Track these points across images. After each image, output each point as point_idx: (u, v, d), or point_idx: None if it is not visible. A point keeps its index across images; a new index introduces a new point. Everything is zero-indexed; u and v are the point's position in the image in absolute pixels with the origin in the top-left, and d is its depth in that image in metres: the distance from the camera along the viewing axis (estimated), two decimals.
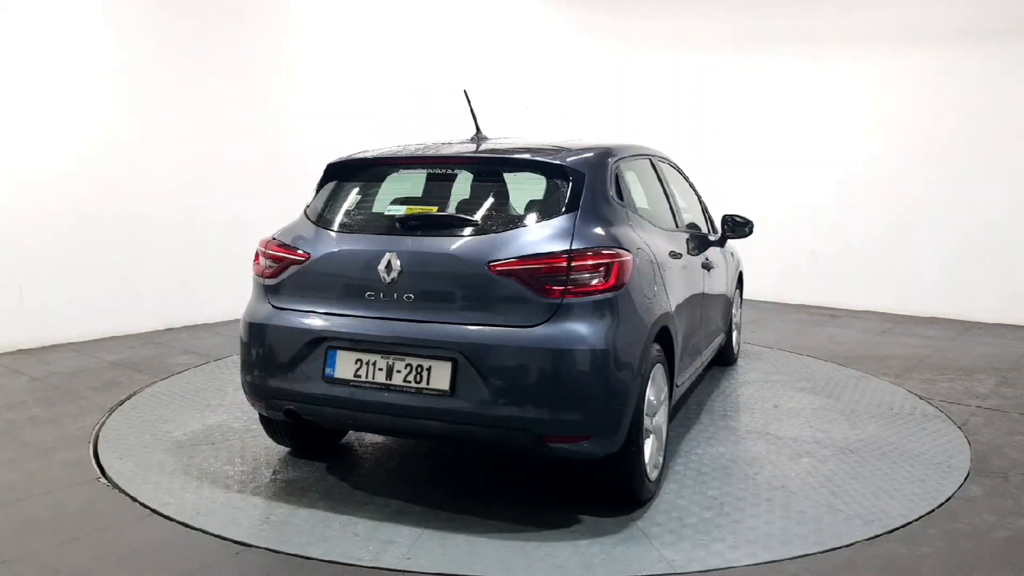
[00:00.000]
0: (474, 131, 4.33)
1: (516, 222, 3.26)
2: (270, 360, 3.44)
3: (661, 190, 4.44)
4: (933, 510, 3.39)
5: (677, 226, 4.40)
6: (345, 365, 3.26)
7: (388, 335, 3.20)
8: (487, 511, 3.36)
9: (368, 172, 3.81)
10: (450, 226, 3.33)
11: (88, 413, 4.63)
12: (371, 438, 4.26)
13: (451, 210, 3.55)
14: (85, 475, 3.74)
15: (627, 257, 3.18)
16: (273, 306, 3.47)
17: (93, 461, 3.90)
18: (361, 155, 3.87)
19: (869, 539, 3.13)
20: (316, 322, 3.34)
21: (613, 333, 3.07)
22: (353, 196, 3.72)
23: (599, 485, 3.49)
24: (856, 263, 8.66)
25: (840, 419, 4.71)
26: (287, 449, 4.05)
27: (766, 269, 9.02)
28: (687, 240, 4.37)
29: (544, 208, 3.31)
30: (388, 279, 3.21)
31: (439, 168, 3.76)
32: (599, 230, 3.23)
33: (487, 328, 3.08)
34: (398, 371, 3.17)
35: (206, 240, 7.34)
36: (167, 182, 7.05)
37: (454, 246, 3.20)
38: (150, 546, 3.06)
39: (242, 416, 4.58)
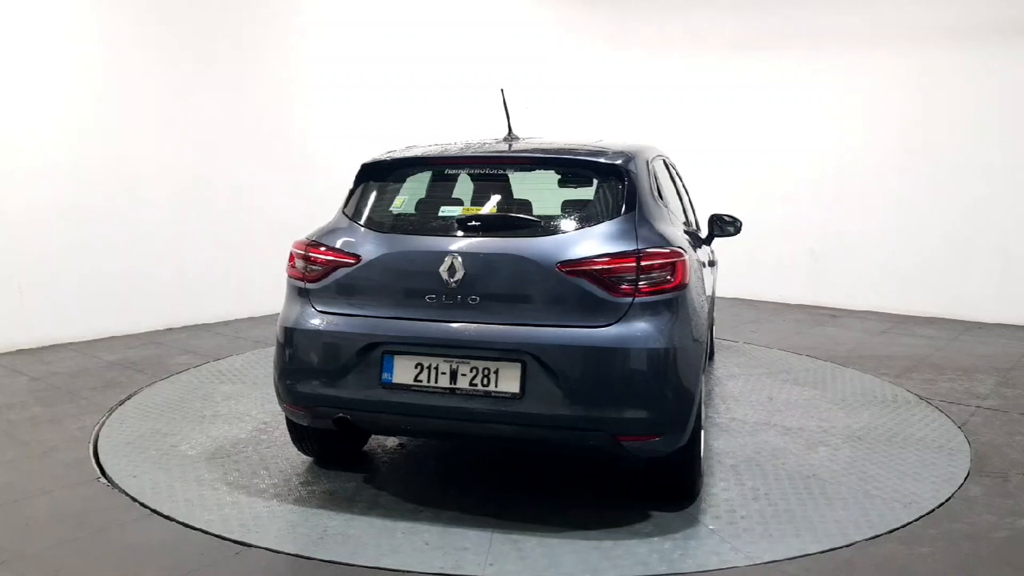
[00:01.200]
0: (505, 130, 4.21)
1: (578, 222, 3.26)
2: (317, 367, 3.31)
3: (674, 189, 4.49)
4: (933, 510, 3.39)
5: (688, 224, 4.46)
6: (404, 370, 3.15)
7: (452, 338, 3.11)
8: (543, 513, 3.35)
9: (410, 171, 3.73)
10: (511, 226, 3.28)
11: (88, 413, 4.63)
12: (390, 443, 4.19)
13: (505, 210, 3.49)
14: (85, 475, 3.74)
15: (687, 256, 3.22)
16: (318, 310, 3.34)
17: (93, 461, 3.90)
18: (403, 154, 3.74)
19: (869, 539, 3.13)
20: (370, 326, 3.22)
21: (681, 331, 3.11)
22: (399, 197, 3.63)
23: (657, 481, 3.45)
24: (856, 263, 8.66)
25: (834, 408, 4.87)
26: (304, 457, 3.91)
27: (766, 269, 9.03)
28: (695, 238, 4.40)
29: (602, 208, 3.31)
30: (451, 281, 3.13)
31: (489, 168, 3.71)
32: (656, 229, 3.26)
33: (558, 329, 3.04)
34: (463, 374, 3.09)
35: (206, 240, 7.34)
36: (167, 182, 7.04)
37: (521, 247, 3.15)
38: (150, 546, 3.06)
39: (246, 417, 4.58)
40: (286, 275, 3.55)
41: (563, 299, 3.06)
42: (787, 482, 3.70)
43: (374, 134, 8.73)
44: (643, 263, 3.06)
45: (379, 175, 3.67)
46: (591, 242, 3.13)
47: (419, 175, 3.75)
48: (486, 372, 3.07)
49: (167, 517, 3.29)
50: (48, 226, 6.31)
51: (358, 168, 3.71)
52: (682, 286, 3.13)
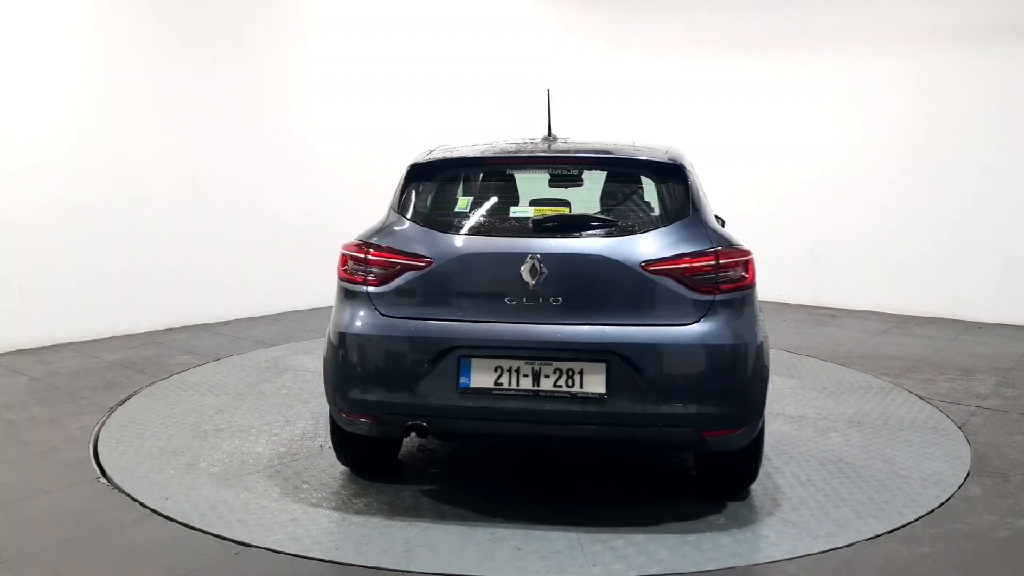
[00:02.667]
0: (546, 131, 4.16)
1: (651, 222, 3.31)
2: (386, 374, 3.21)
3: None
4: (933, 510, 3.39)
5: None
6: (483, 374, 3.08)
7: (535, 340, 3.07)
8: (613, 512, 3.37)
9: (465, 172, 3.69)
10: (586, 227, 3.27)
11: (88, 413, 4.63)
12: (417, 450, 4.09)
13: (575, 211, 3.49)
14: (85, 475, 3.74)
15: (752, 254, 3.28)
16: (385, 315, 3.22)
17: (93, 461, 3.90)
18: (457, 154, 3.65)
19: (869, 539, 3.13)
20: (445, 330, 3.13)
21: (755, 326, 3.19)
22: (462, 197, 3.58)
23: (724, 472, 3.52)
24: (856, 263, 8.66)
25: (821, 396, 5.06)
26: (339, 468, 3.78)
27: (766, 269, 9.00)
28: None
29: (670, 208, 3.35)
30: (532, 282, 3.08)
31: (549, 168, 3.69)
32: (720, 229, 3.34)
33: (644, 328, 3.06)
34: (546, 376, 3.05)
35: (206, 240, 7.33)
36: (167, 182, 7.04)
37: (605, 247, 3.15)
38: (150, 546, 3.06)
39: (251, 430, 4.49)
40: (337, 278, 3.41)
41: (647, 298, 3.10)
42: (820, 467, 3.87)
43: (374, 134, 8.74)
44: (721, 262, 3.13)
45: (430, 175, 3.57)
46: (671, 242, 3.17)
47: (474, 175, 3.70)
48: (570, 373, 3.05)
49: (168, 518, 3.29)
50: (48, 226, 6.31)
51: (406, 168, 3.60)
52: (752, 284, 3.23)
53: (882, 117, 8.40)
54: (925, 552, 3.02)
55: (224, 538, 3.11)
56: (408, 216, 3.43)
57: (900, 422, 4.57)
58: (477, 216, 3.46)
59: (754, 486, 3.59)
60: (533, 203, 3.66)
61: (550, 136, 4.04)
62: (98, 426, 4.40)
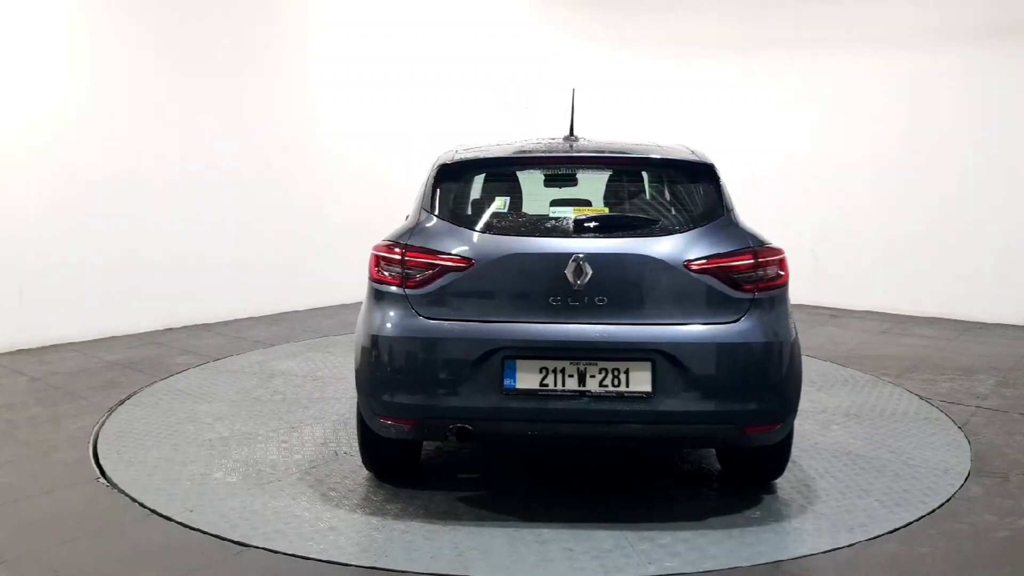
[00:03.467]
0: (567, 131, 4.15)
1: (689, 221, 3.33)
2: (427, 377, 3.15)
3: None
4: (933, 510, 3.39)
5: None
6: (528, 375, 3.07)
7: (581, 340, 3.07)
8: (650, 508, 3.43)
9: (497, 171, 3.67)
10: (628, 226, 3.30)
11: (88, 413, 4.63)
12: (432, 453, 4.04)
13: (614, 210, 3.51)
14: (85, 475, 3.74)
15: (785, 252, 3.34)
16: (425, 317, 3.17)
17: (93, 461, 3.90)
18: (490, 154, 3.64)
19: (869, 539, 3.13)
20: (489, 332, 3.11)
21: (790, 323, 3.26)
22: (499, 197, 3.55)
23: (758, 467, 3.58)
24: (856, 263, 8.66)
25: (811, 389, 5.08)
26: (361, 474, 3.73)
27: None
28: None
29: (706, 208, 3.39)
30: (577, 283, 3.09)
31: (583, 168, 3.68)
32: (751, 228, 3.37)
33: (688, 327, 3.10)
34: (592, 376, 3.06)
35: (206, 240, 7.34)
36: (168, 182, 7.04)
37: (648, 246, 3.17)
38: (150, 546, 3.06)
39: (251, 427, 4.46)
40: (368, 280, 3.36)
41: (690, 297, 3.13)
42: (833, 459, 3.96)
43: (375, 134, 8.74)
44: (760, 260, 3.19)
45: (461, 175, 3.54)
46: (710, 241, 3.21)
47: (506, 175, 3.69)
48: (616, 372, 3.06)
49: (168, 518, 3.29)
50: (48, 226, 6.31)
51: (436, 167, 3.55)
52: (787, 282, 3.29)
53: (882, 117, 8.40)
54: (925, 552, 3.02)
55: (224, 538, 3.11)
56: (442, 216, 3.38)
57: (903, 416, 4.64)
58: (516, 216, 3.43)
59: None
60: (566, 203, 3.65)
61: (571, 136, 4.03)
62: (98, 426, 4.40)
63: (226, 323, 7.34)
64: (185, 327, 7.10)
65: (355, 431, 4.04)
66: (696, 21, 9.50)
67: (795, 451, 3.96)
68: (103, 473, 3.75)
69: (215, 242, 7.40)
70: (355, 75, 8.52)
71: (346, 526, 3.23)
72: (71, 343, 6.38)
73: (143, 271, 6.89)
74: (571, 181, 3.78)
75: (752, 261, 3.18)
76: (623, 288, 3.13)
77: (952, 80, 7.97)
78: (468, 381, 3.09)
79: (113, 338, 6.62)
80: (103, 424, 4.44)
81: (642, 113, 9.75)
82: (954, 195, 8.06)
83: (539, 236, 3.25)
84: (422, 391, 3.16)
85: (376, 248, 3.39)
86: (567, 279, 3.09)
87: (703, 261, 3.15)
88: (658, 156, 3.57)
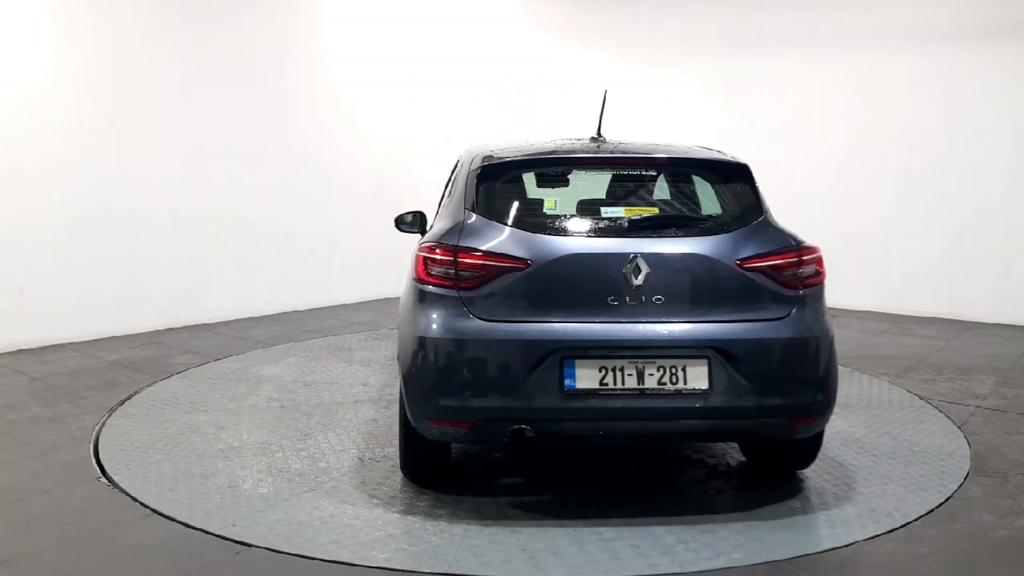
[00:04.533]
0: (595, 131, 4.18)
1: (735, 221, 3.41)
2: (486, 379, 3.12)
3: None
4: (933, 510, 3.39)
5: None
6: (587, 375, 3.08)
7: (640, 339, 3.11)
8: (695, 503, 3.49)
9: (541, 171, 3.67)
10: (680, 226, 3.38)
11: (88, 413, 4.63)
12: (460, 457, 3.99)
13: (663, 210, 3.56)
14: (85, 475, 3.74)
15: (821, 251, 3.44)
16: (481, 319, 3.13)
17: (93, 461, 3.91)
18: (534, 155, 3.65)
19: (869, 539, 3.13)
20: (548, 332, 3.10)
21: (828, 319, 3.37)
22: (549, 198, 3.55)
23: (795, 457, 3.69)
24: (856, 263, 8.65)
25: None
26: (395, 479, 3.68)
27: None
28: None
29: (747, 207, 3.48)
30: (635, 282, 3.12)
31: (626, 168, 3.70)
32: (787, 227, 3.46)
33: (741, 324, 3.18)
34: (650, 374, 3.09)
35: (206, 240, 7.34)
36: (167, 181, 7.05)
37: (702, 246, 3.24)
38: (150, 546, 3.06)
39: (259, 436, 4.30)
40: (415, 282, 3.31)
41: (743, 294, 3.21)
42: (843, 447, 4.06)
43: (375, 134, 8.74)
44: (802, 258, 3.29)
45: (503, 174, 3.52)
46: (758, 240, 3.31)
47: (550, 175, 3.69)
48: (673, 370, 3.09)
49: (168, 518, 3.29)
50: (48, 226, 6.31)
51: (479, 167, 3.51)
52: (824, 280, 3.39)
53: (882, 118, 8.40)
54: (925, 552, 3.02)
55: (225, 538, 3.11)
56: (490, 216, 3.35)
57: (903, 416, 4.63)
58: (569, 216, 3.41)
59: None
60: (618, 203, 3.67)
61: (599, 136, 4.06)
62: (98, 426, 4.40)
63: (226, 323, 7.34)
64: (185, 327, 7.10)
65: (370, 436, 4.04)
66: (697, 21, 9.50)
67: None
68: (103, 473, 3.76)
69: (215, 242, 7.40)
70: (355, 75, 8.52)
71: (403, 533, 3.16)
72: (71, 343, 6.38)
73: (144, 271, 6.89)
74: (615, 181, 3.77)
75: (796, 259, 3.28)
76: (679, 286, 3.18)
77: (953, 81, 7.97)
78: (527, 382, 3.07)
79: (113, 338, 6.62)
80: (103, 424, 4.44)
81: (642, 112, 9.75)
82: (954, 195, 8.06)
83: (595, 236, 3.28)
84: (480, 393, 3.13)
85: (423, 249, 3.33)
86: (625, 278, 3.13)
87: (754, 259, 3.23)
88: (699, 156, 3.66)
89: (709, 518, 3.29)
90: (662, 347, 3.11)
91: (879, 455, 4.05)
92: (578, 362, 3.08)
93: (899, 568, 2.91)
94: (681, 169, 3.70)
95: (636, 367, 3.09)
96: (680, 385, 3.09)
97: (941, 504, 3.45)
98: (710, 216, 3.50)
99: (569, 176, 3.69)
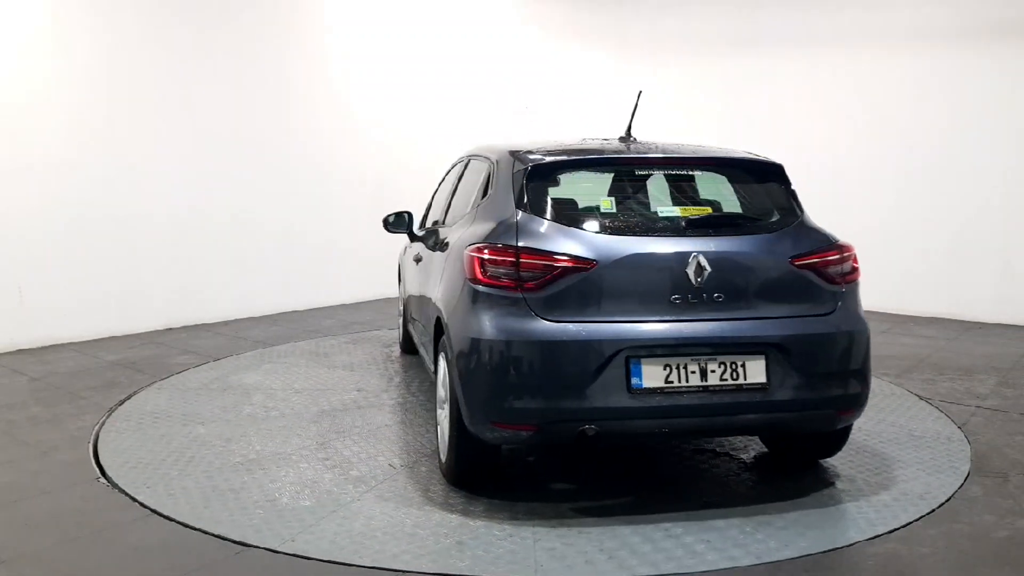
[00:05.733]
0: (624, 132, 4.22)
1: (781, 220, 3.51)
2: (554, 380, 3.10)
3: None
4: (933, 510, 3.39)
5: None
6: (653, 373, 3.11)
7: (702, 337, 3.17)
8: (737, 496, 3.57)
9: (589, 171, 3.69)
10: (732, 225, 3.47)
11: (88, 413, 4.63)
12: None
13: (715, 210, 3.61)
14: (85, 475, 3.74)
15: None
16: (548, 319, 3.12)
17: (93, 461, 3.91)
18: (583, 155, 3.68)
19: (869, 539, 3.13)
20: (615, 332, 3.12)
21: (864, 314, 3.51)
22: (603, 198, 3.55)
23: (828, 445, 3.80)
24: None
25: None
26: (435, 484, 3.61)
27: None
28: None
29: (785, 207, 3.59)
30: (698, 280, 3.17)
31: (673, 169, 3.73)
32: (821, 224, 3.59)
33: (794, 320, 3.29)
34: (712, 371, 3.15)
35: (206, 240, 7.34)
36: (167, 181, 7.05)
37: (757, 244, 3.35)
38: (150, 546, 3.06)
39: (293, 458, 3.97)
40: (472, 282, 3.26)
41: (795, 291, 3.32)
42: (843, 447, 3.95)
43: (374, 134, 8.74)
44: (844, 255, 3.44)
45: (551, 175, 3.53)
46: (803, 238, 3.44)
47: (599, 175, 3.71)
48: (734, 366, 3.17)
49: (168, 518, 3.29)
50: (48, 226, 6.31)
51: (527, 166, 3.50)
52: (859, 276, 3.51)
53: (882, 118, 8.40)
54: (925, 552, 3.02)
55: (224, 538, 3.10)
56: (544, 216, 3.35)
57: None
58: (628, 216, 3.42)
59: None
60: (666, 202, 3.71)
61: (628, 137, 4.09)
62: (98, 426, 4.40)
63: (226, 323, 7.34)
64: (185, 327, 7.10)
65: (390, 442, 4.06)
66: (697, 21, 9.50)
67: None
68: (103, 473, 3.75)
69: (215, 242, 7.40)
70: (354, 75, 8.52)
71: (472, 539, 3.09)
72: (71, 343, 6.38)
73: (144, 271, 6.89)
74: (664, 182, 3.79)
75: (839, 256, 3.41)
76: (737, 284, 3.25)
77: (953, 81, 7.97)
78: (594, 382, 3.08)
79: (113, 338, 6.62)
80: (103, 424, 4.43)
81: (643, 112, 9.74)
82: (954, 195, 8.05)
83: (657, 236, 3.31)
84: (548, 395, 3.11)
85: (478, 250, 3.30)
86: (688, 277, 3.17)
87: (804, 257, 3.34)
88: (742, 157, 3.75)
89: (758, 509, 3.37)
90: (723, 344, 3.18)
91: (879, 455, 4.05)
92: (644, 361, 3.11)
93: (899, 568, 2.91)
94: (726, 170, 3.76)
95: (699, 364, 3.15)
96: (740, 380, 3.16)
97: (941, 504, 3.45)
98: (759, 216, 3.58)
99: (618, 176, 3.72)
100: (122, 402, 4.85)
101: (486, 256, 3.25)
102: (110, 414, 4.62)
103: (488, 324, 3.18)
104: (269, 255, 7.86)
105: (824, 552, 3.02)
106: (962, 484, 3.67)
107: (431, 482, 3.66)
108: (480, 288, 3.24)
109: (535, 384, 3.12)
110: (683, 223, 3.38)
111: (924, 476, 3.76)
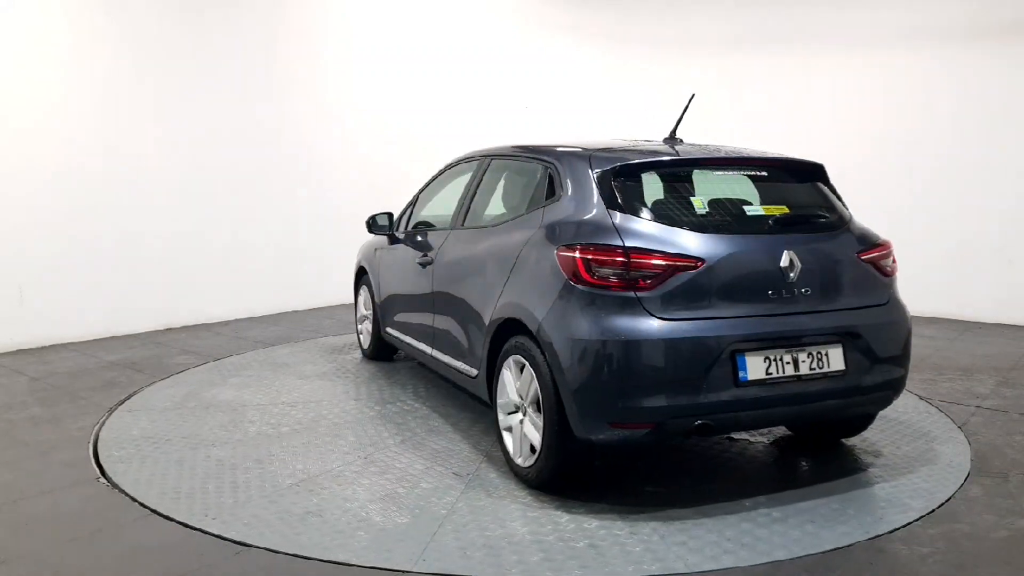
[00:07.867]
0: (670, 133, 4.34)
1: (840, 218, 3.79)
2: (673, 378, 3.15)
3: None
4: (933, 510, 3.39)
5: None
6: (756, 366, 3.26)
7: (795, 329, 3.36)
8: (763, 487, 3.66)
9: (668, 173, 3.75)
10: (810, 222, 3.72)
11: (88, 413, 4.63)
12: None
13: (785, 208, 3.73)
14: (85, 475, 3.74)
15: None
16: (663, 318, 3.16)
17: (93, 461, 3.91)
18: (665, 157, 3.74)
19: (869, 539, 3.13)
20: (725, 328, 3.23)
21: None
22: (694, 198, 3.60)
23: (860, 424, 4.11)
24: None
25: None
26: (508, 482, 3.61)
27: None
28: None
29: (836, 206, 3.87)
30: (790, 276, 3.37)
31: (745, 169, 3.85)
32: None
33: (862, 310, 3.56)
34: (802, 361, 3.35)
35: (206, 240, 7.34)
36: (167, 182, 7.05)
37: (835, 240, 3.63)
38: (150, 546, 3.06)
39: (303, 466, 3.81)
40: (571, 284, 3.25)
41: (861, 283, 3.61)
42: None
43: (374, 134, 8.74)
44: (891, 250, 3.80)
45: (637, 176, 3.57)
46: (860, 234, 3.74)
47: (677, 176, 3.76)
48: (820, 355, 3.39)
49: (168, 518, 3.28)
50: (48, 226, 6.31)
51: (614, 169, 3.54)
52: (898, 269, 3.83)
53: (882, 118, 8.40)
54: (925, 552, 3.02)
55: (224, 538, 3.11)
56: (642, 216, 3.38)
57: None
58: (721, 215, 3.53)
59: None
60: (746, 202, 3.78)
61: (674, 138, 4.21)
62: (98, 426, 4.40)
63: (226, 323, 7.34)
64: (185, 327, 7.10)
65: (435, 453, 4.01)
66: (697, 20, 9.50)
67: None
68: (103, 473, 3.76)
69: (215, 242, 7.40)
70: (354, 75, 8.52)
71: (602, 542, 3.07)
72: (71, 343, 6.38)
73: (144, 271, 6.89)
74: (742, 182, 3.90)
75: (888, 251, 3.75)
76: (820, 277, 3.47)
77: (954, 80, 7.97)
78: (707, 377, 3.19)
79: (113, 338, 6.62)
80: (103, 424, 4.44)
81: (643, 112, 9.75)
82: (955, 194, 8.05)
83: (752, 234, 3.47)
84: (666, 392, 3.16)
85: (583, 251, 3.28)
86: (782, 272, 3.37)
87: (867, 252, 3.65)
88: (798, 159, 3.95)
89: (814, 491, 3.55)
90: (813, 334, 3.39)
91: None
92: (748, 354, 3.26)
93: (899, 568, 2.91)
94: (786, 172, 3.94)
95: (792, 355, 3.33)
96: (825, 368, 3.38)
97: (942, 504, 3.45)
98: (826, 214, 3.79)
99: (700, 177, 3.82)
100: (122, 402, 4.85)
101: (594, 257, 3.25)
102: (110, 414, 4.62)
103: (603, 325, 3.17)
104: (269, 255, 7.86)
105: (824, 552, 3.02)
106: (962, 484, 3.67)
107: (512, 489, 3.58)
108: (587, 289, 3.23)
109: (655, 382, 3.15)
110: (770, 221, 3.56)
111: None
